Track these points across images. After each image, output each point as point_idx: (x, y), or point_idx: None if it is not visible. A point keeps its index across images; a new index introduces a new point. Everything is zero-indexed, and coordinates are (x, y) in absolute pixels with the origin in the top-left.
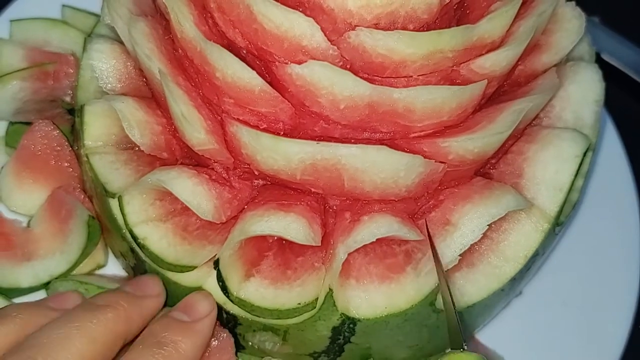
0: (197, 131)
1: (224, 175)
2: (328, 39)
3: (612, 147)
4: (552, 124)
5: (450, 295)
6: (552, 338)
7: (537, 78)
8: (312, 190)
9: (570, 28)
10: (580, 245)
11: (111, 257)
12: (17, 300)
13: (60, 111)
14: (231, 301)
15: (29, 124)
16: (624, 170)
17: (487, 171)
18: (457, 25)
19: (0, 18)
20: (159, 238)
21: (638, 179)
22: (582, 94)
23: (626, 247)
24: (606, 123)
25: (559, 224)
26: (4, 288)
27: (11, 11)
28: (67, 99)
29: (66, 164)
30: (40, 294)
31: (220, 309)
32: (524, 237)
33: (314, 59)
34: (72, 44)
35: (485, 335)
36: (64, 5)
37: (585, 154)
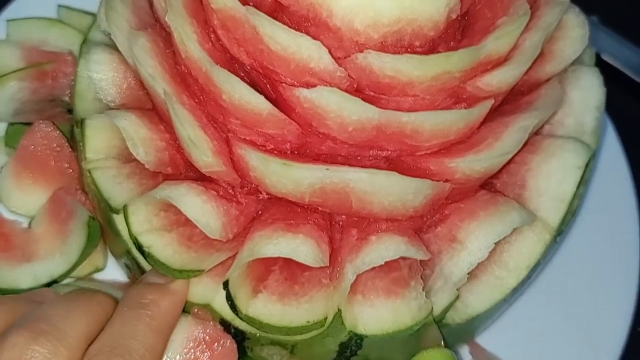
0: (204, 154)
1: (230, 191)
2: (334, 57)
3: (612, 149)
4: (553, 131)
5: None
6: (551, 340)
7: (540, 87)
8: (320, 208)
9: (574, 36)
10: (580, 247)
11: (110, 261)
12: None
13: (60, 110)
14: (240, 319)
15: (28, 124)
16: (624, 172)
17: (490, 181)
18: (462, 36)
19: None
20: (163, 246)
21: (636, 177)
22: (583, 100)
23: (625, 249)
24: (606, 125)
25: (560, 233)
26: (3, 289)
27: (7, 13)
28: (66, 98)
29: (66, 165)
30: None
31: (228, 324)
32: (526, 248)
33: (321, 80)
34: (69, 43)
35: (485, 338)
36: (59, 6)
37: (587, 164)
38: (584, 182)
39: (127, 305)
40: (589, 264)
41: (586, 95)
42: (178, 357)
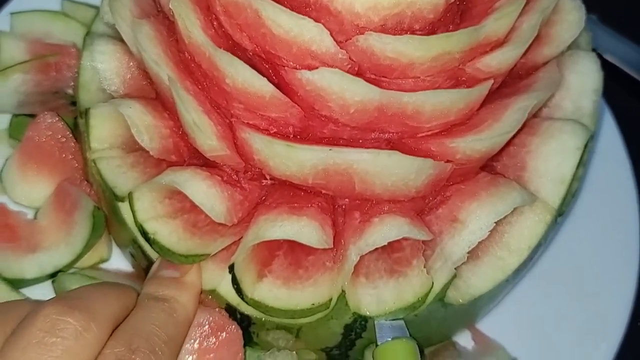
0: (209, 138)
1: (234, 177)
2: (335, 41)
3: (610, 134)
4: (552, 113)
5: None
6: (551, 326)
7: (538, 70)
8: (323, 191)
9: (571, 20)
10: (580, 230)
11: (115, 252)
12: (23, 290)
13: (64, 102)
14: (246, 303)
15: (32, 116)
16: (622, 156)
17: (490, 164)
18: (461, 20)
19: (2, 12)
20: (168, 233)
21: (637, 172)
22: (581, 83)
23: (625, 232)
24: (604, 111)
25: (561, 214)
26: (9, 279)
27: (12, 6)
28: (70, 90)
29: (70, 156)
30: (46, 285)
31: (234, 310)
32: (527, 229)
33: (323, 63)
34: (72, 36)
35: (485, 324)
36: None
37: (586, 145)
38: (583, 163)
39: (148, 297)
40: (590, 246)
41: (584, 79)
42: (184, 344)
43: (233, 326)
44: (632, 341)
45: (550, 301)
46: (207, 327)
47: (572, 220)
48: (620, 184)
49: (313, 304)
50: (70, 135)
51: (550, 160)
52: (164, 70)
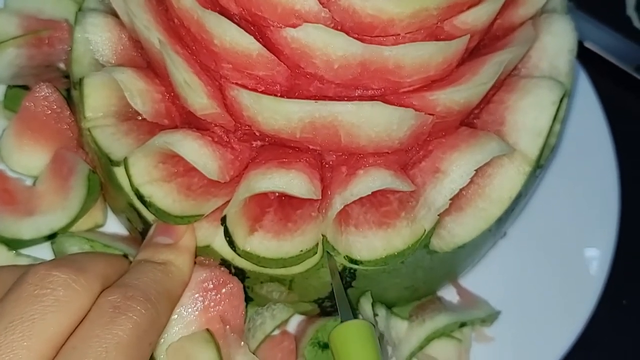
0: (199, 97)
1: (224, 138)
2: (319, 1)
3: (586, 93)
4: (530, 74)
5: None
6: (533, 281)
7: (515, 31)
8: (310, 147)
9: None
10: (560, 188)
11: (110, 218)
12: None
13: (56, 75)
14: (238, 255)
15: (26, 88)
16: (598, 114)
17: (471, 121)
18: None
19: None
20: (164, 195)
21: (621, 163)
22: (557, 44)
23: (603, 188)
24: (579, 72)
25: (540, 166)
26: (7, 238)
27: None
28: (62, 65)
29: (66, 126)
30: (44, 247)
31: (228, 264)
32: (507, 180)
33: (307, 22)
34: (64, 12)
35: (469, 280)
36: None
37: (561, 101)
38: (559, 119)
39: (142, 261)
40: (570, 203)
41: (559, 39)
42: (186, 300)
43: (235, 282)
44: (617, 319)
45: (531, 258)
46: (209, 282)
47: (553, 178)
48: (597, 139)
49: (301, 251)
50: (66, 105)
51: (528, 114)
52: (154, 35)
